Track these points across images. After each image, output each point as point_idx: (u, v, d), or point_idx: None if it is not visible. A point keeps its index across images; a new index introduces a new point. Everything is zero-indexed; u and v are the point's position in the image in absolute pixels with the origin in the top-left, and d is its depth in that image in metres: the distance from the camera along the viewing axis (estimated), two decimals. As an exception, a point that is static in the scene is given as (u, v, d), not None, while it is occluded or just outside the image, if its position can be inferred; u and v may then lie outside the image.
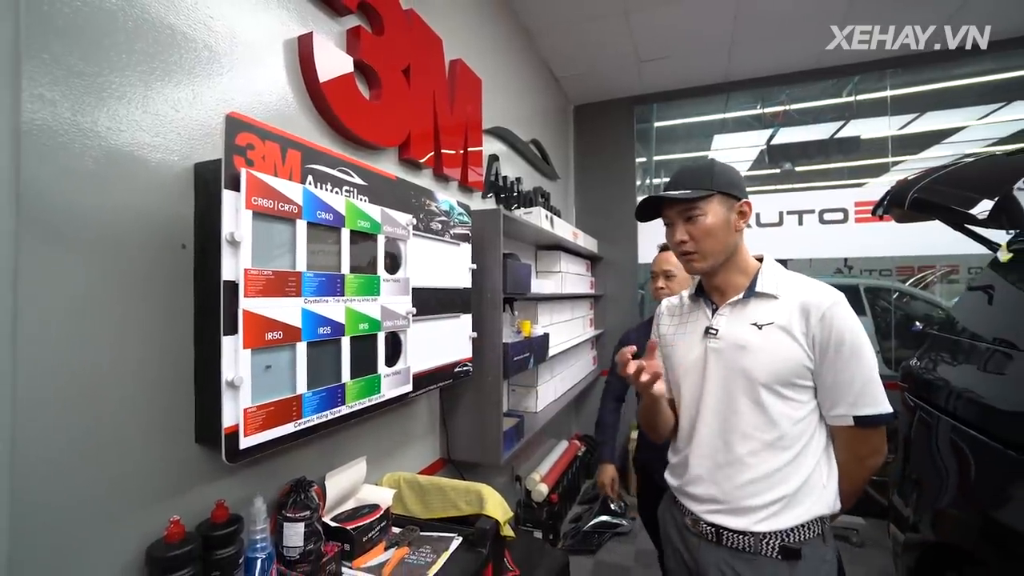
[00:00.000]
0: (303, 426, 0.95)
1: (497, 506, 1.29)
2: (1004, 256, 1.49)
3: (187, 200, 0.92)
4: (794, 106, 3.55)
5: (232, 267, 0.81)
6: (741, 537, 0.98)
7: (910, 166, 3.53)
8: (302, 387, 0.94)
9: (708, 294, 1.11)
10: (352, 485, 1.28)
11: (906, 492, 1.65)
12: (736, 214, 1.03)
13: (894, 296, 3.98)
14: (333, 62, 1.25)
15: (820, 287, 1.00)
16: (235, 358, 0.81)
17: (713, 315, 1.07)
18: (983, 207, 1.64)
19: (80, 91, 0.76)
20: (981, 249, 1.77)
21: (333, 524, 1.13)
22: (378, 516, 1.20)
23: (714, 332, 1.05)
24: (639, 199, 3.63)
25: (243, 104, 1.05)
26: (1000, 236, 1.59)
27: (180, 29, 0.92)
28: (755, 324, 1.00)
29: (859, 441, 0.99)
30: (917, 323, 3.48)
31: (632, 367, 0.94)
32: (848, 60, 3.19)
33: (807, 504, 0.97)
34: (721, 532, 1.00)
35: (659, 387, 0.97)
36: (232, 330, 0.81)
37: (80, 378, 0.75)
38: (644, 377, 0.94)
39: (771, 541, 0.96)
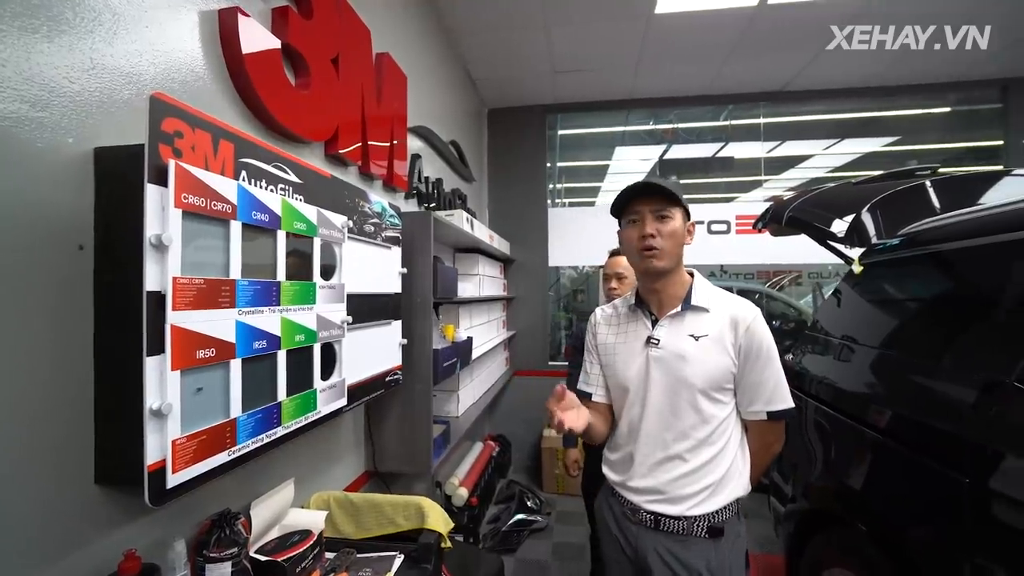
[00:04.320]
0: (237, 454, 0.83)
1: (439, 518, 1.26)
2: (857, 268, 1.80)
3: (85, 192, 0.76)
4: (681, 125, 3.97)
5: (157, 275, 0.69)
6: (676, 522, 1.08)
7: (775, 184, 4.13)
8: (236, 410, 0.83)
9: (646, 304, 1.19)
10: (279, 511, 1.16)
11: (784, 470, 1.93)
12: (686, 230, 1.13)
13: (755, 296, 4.62)
14: (259, 42, 1.11)
15: (743, 302, 1.13)
16: (161, 382, 0.69)
17: (654, 326, 1.15)
18: (840, 227, 1.98)
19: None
20: (819, 259, 2.13)
21: (262, 558, 1.01)
22: (311, 543, 1.10)
23: (656, 342, 1.13)
24: (547, 195, 3.82)
25: (153, 80, 0.90)
26: (854, 252, 1.91)
27: (75, -16, 0.76)
28: (692, 335, 1.10)
29: (768, 431, 1.15)
30: (775, 321, 4.09)
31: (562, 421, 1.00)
32: (731, 90, 3.63)
33: (729, 489, 1.10)
34: (659, 519, 1.09)
35: (581, 423, 1.04)
36: (158, 349, 0.68)
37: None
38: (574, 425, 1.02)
39: (701, 523, 1.07)
